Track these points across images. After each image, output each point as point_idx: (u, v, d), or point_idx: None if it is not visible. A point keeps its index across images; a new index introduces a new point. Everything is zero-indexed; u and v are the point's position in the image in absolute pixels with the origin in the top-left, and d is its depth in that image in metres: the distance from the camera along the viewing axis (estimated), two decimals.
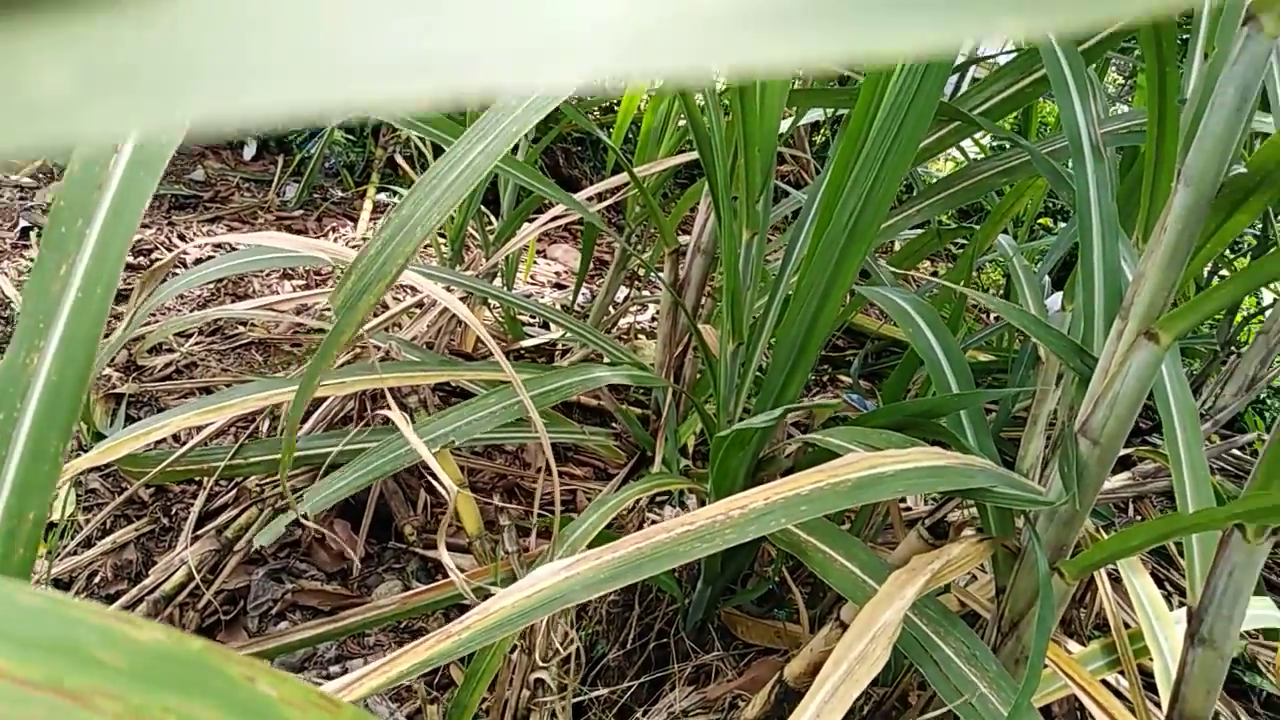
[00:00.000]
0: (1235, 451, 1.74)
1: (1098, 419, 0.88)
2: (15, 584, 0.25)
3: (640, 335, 2.08)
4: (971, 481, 0.87)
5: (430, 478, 1.73)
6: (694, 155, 1.51)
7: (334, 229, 2.37)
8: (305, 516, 1.11)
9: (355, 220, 2.33)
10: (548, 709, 0.82)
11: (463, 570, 1.56)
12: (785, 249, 1.22)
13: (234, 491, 1.58)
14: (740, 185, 1.11)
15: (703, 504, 1.34)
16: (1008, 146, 1.31)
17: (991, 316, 2.00)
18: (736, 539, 0.78)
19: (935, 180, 1.34)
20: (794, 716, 0.74)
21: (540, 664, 0.80)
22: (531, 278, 2.31)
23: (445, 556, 0.96)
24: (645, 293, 2.14)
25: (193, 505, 1.55)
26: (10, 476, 0.50)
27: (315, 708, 0.26)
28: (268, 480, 1.59)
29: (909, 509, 1.56)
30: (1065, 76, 0.95)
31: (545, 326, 2.12)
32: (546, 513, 1.58)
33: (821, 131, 2.39)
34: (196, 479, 1.59)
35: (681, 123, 1.65)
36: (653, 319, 2.10)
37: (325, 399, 1.65)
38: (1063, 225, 2.10)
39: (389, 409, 0.97)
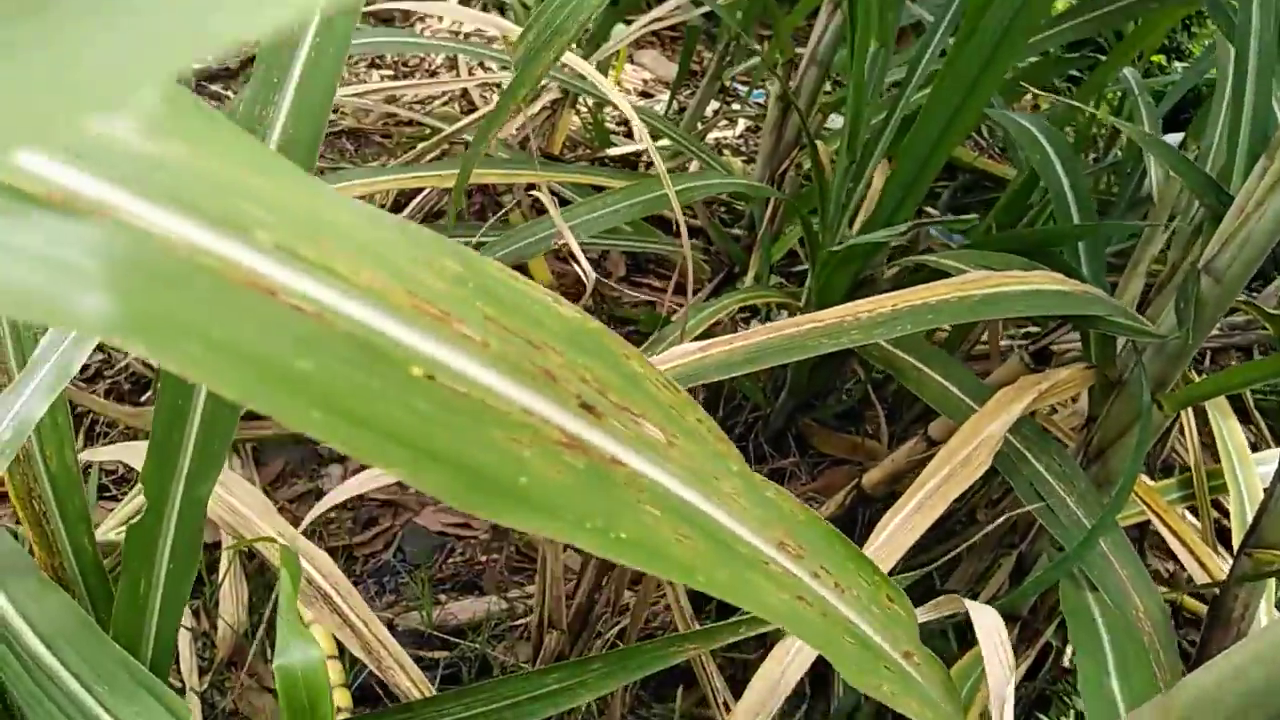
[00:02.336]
0: None
1: (1224, 258, 0.89)
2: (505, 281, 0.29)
3: (726, 151, 2.06)
4: (1091, 309, 0.88)
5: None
6: None
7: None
8: None
9: None
10: None
11: None
12: (909, 65, 1.19)
13: None
14: None
15: None
16: None
17: (1090, 157, 1.94)
18: (861, 340, 0.81)
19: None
20: (899, 503, 0.79)
21: None
22: (618, 84, 2.26)
23: None
24: (735, 107, 2.10)
25: None
26: None
27: (668, 389, 0.31)
28: None
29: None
30: None
31: (629, 136, 2.09)
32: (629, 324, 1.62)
33: None
34: None
35: None
36: (739, 135, 2.07)
37: (422, 190, 1.67)
38: (1178, 64, 2.01)
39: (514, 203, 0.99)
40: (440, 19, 2.24)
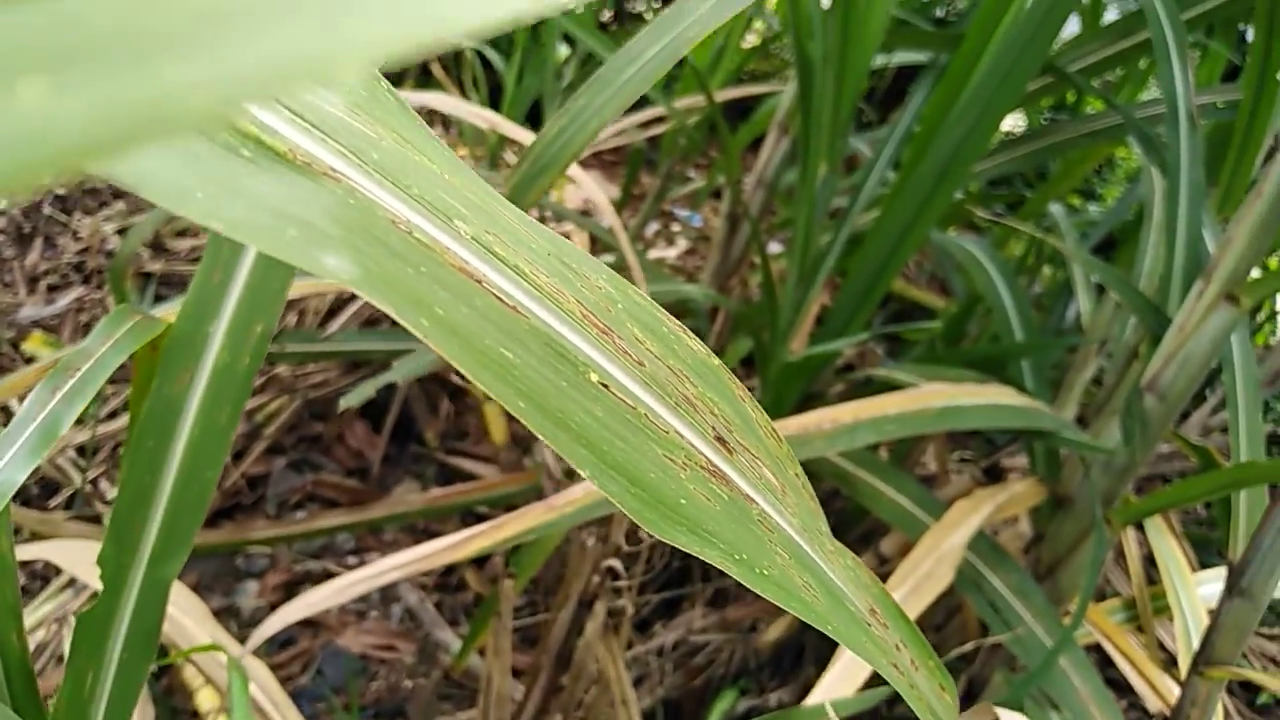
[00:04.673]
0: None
1: (1167, 376, 0.91)
2: (647, 307, 0.29)
3: (667, 270, 2.09)
4: (1044, 424, 0.90)
5: (455, 384, 1.74)
6: (766, 88, 1.51)
7: None
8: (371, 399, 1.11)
9: None
10: (614, 594, 0.84)
11: (483, 478, 1.58)
12: (852, 190, 1.23)
13: (262, 379, 1.58)
14: (824, 118, 1.12)
15: None
16: (1065, 116, 1.31)
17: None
18: (825, 449, 0.80)
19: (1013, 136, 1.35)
20: None
21: (625, 546, 0.83)
22: (559, 202, 2.30)
23: None
24: (675, 229, 2.14)
25: None
26: (239, 289, 0.51)
27: (773, 437, 0.29)
28: (300, 373, 1.59)
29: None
30: (1168, 39, 0.97)
31: None
32: None
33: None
34: None
35: (745, 44, 1.65)
36: (679, 256, 2.11)
37: (358, 300, 1.65)
38: (1092, 206, 2.14)
39: None
40: None
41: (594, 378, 0.27)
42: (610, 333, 0.29)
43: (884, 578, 0.88)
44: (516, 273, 0.27)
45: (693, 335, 0.31)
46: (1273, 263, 1.62)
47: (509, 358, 0.25)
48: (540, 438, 0.25)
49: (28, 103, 0.10)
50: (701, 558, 0.27)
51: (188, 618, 0.67)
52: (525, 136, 1.04)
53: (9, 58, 0.10)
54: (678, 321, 0.31)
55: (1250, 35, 1.59)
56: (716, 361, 0.31)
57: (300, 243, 0.22)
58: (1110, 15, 1.58)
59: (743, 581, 0.28)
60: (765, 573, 0.28)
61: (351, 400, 0.88)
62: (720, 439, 0.29)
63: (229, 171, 0.22)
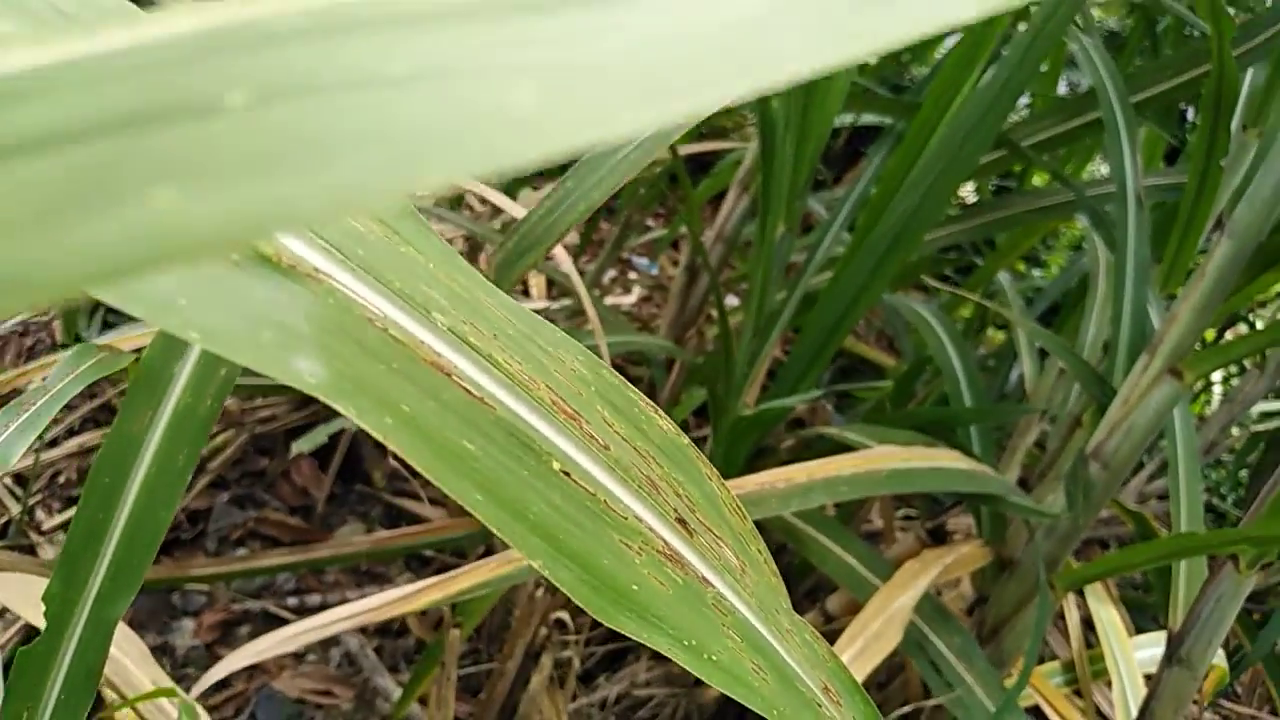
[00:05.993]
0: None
1: (1111, 445, 0.94)
2: (622, 392, 0.29)
3: (622, 317, 2.10)
4: (991, 488, 0.91)
5: None
6: (728, 144, 1.53)
7: None
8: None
9: None
10: (560, 646, 0.84)
11: (430, 521, 1.56)
12: (808, 249, 1.25)
13: None
14: (784, 179, 1.14)
15: None
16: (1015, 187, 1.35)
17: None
18: (779, 508, 0.81)
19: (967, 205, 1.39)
20: None
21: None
22: None
23: None
24: (632, 276, 2.16)
25: None
26: None
27: (737, 514, 0.30)
28: (248, 406, 1.56)
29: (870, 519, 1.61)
30: (1119, 123, 1.01)
31: (525, 294, 2.12)
32: None
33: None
34: None
35: None
36: (635, 303, 2.12)
37: None
38: (1036, 272, 2.20)
39: None
40: None
41: (556, 466, 0.28)
42: (579, 418, 0.29)
43: (831, 636, 0.89)
44: (490, 362, 0.28)
45: (663, 414, 0.31)
46: (1209, 334, 1.68)
47: (470, 450, 0.26)
48: (495, 531, 0.25)
49: (160, 206, 0.12)
50: (649, 644, 0.28)
51: (126, 657, 0.65)
52: (496, 197, 1.05)
53: (142, 168, 0.12)
54: (649, 400, 0.31)
55: (1191, 114, 1.66)
56: (685, 440, 0.32)
57: (274, 347, 0.22)
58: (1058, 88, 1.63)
59: (690, 669, 0.28)
60: (714, 658, 0.29)
61: (303, 445, 0.87)
62: (681, 520, 0.30)
63: (215, 278, 0.23)
